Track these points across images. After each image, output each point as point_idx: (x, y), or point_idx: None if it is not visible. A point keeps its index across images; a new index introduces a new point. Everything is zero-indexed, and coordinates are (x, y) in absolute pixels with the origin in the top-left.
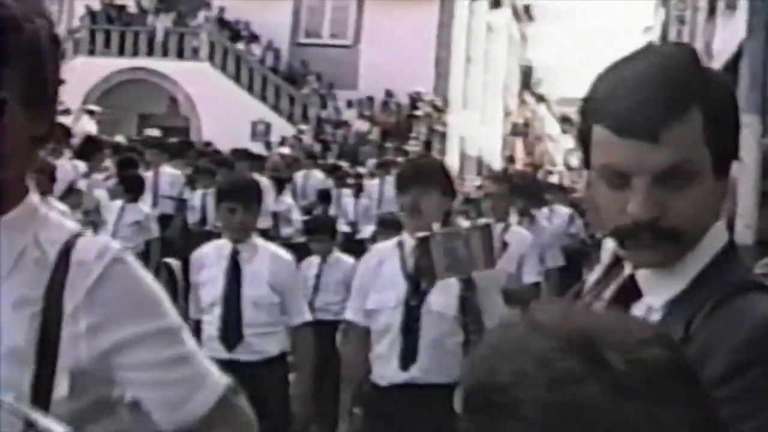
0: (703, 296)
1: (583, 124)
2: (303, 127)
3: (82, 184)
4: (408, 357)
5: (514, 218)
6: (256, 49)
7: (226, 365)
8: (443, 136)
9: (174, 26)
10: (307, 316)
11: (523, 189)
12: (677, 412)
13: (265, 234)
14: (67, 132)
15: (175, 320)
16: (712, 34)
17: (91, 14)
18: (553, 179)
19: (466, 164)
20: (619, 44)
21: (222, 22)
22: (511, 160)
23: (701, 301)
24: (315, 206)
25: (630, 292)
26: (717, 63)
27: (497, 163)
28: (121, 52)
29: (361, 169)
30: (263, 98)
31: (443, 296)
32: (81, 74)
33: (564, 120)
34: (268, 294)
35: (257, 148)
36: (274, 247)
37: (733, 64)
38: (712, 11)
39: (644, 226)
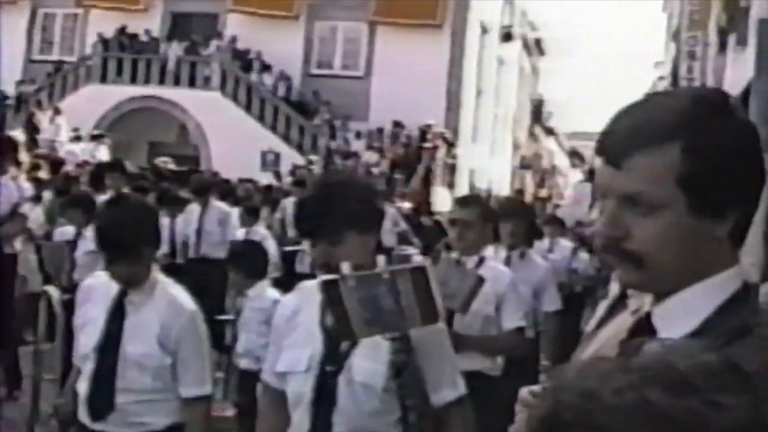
0: (713, 338)
1: None
2: (312, 157)
3: (26, 208)
4: None
5: (491, 250)
6: (268, 79)
7: None
8: (453, 168)
9: (186, 55)
10: (205, 389)
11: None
12: (736, 398)
13: (221, 264)
14: (14, 146)
15: None
16: (723, 69)
17: (104, 42)
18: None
19: None
20: (629, 79)
21: (234, 52)
22: (520, 192)
23: (712, 342)
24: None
25: (645, 330)
26: None
27: (507, 195)
28: (133, 80)
29: None
30: (273, 128)
31: (370, 361)
32: (92, 101)
33: (573, 154)
34: (156, 353)
35: (266, 177)
36: (176, 291)
37: (744, 99)
38: (722, 46)
39: (608, 245)
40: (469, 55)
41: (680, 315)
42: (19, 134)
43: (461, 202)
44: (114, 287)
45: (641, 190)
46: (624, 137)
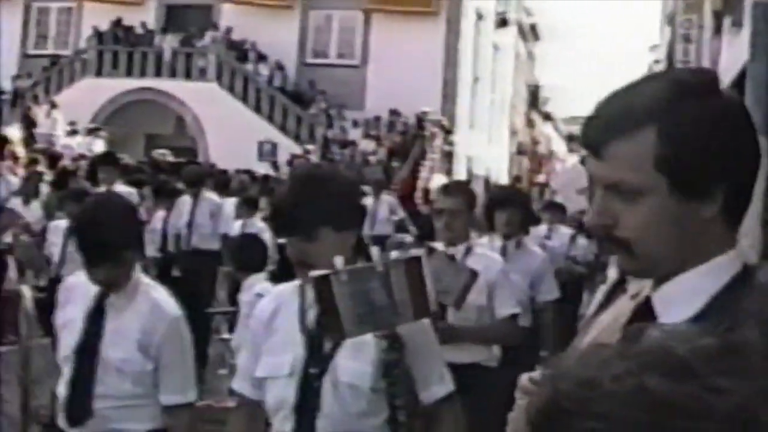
0: (714, 322)
1: None
2: (310, 147)
3: (14, 203)
4: None
5: (486, 240)
6: (264, 69)
7: None
8: (450, 155)
9: (181, 47)
10: (188, 396)
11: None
12: (736, 382)
13: (212, 256)
14: (3, 141)
15: None
16: (718, 52)
17: (99, 35)
18: (560, 198)
19: (474, 183)
20: (625, 63)
21: (229, 43)
22: (517, 179)
23: (713, 326)
24: None
25: (645, 314)
26: (724, 81)
27: (504, 182)
28: (129, 72)
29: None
30: (270, 118)
31: (356, 361)
32: (88, 95)
33: (571, 139)
34: (137, 359)
35: (264, 168)
36: (159, 295)
37: (739, 82)
38: (718, 29)
39: (600, 233)
40: (464, 41)
41: (681, 299)
42: (16, 129)
43: (446, 191)
44: (93, 288)
45: (621, 178)
46: (602, 126)
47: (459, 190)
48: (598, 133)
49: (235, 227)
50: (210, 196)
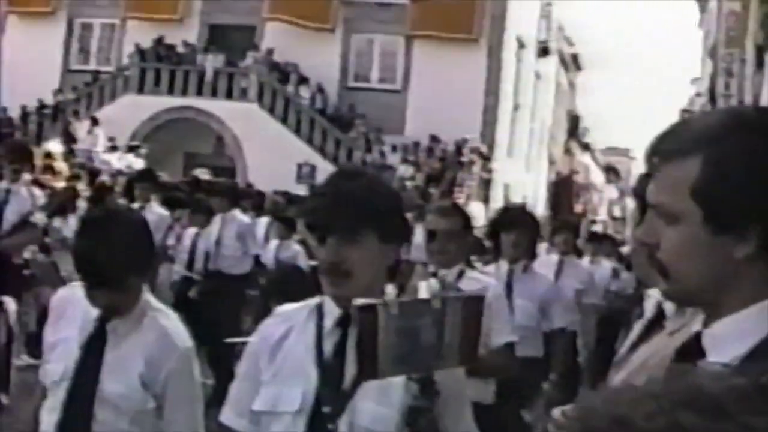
0: (764, 364)
1: None
2: None
3: (38, 217)
4: None
5: (492, 267)
6: (305, 92)
7: None
8: (488, 182)
9: (224, 66)
10: None
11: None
12: None
13: (245, 279)
14: (30, 154)
15: None
16: (761, 86)
17: (141, 52)
18: (597, 228)
19: None
20: (666, 96)
21: (271, 64)
22: (554, 208)
23: (762, 368)
24: None
25: (694, 351)
26: None
27: (541, 211)
28: (171, 90)
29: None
30: (310, 141)
31: (379, 404)
32: (129, 111)
33: (608, 169)
34: (137, 395)
35: (302, 190)
36: (169, 323)
37: None
38: (760, 63)
39: (646, 251)
40: (506, 69)
41: (730, 338)
42: (56, 144)
43: (441, 211)
44: (94, 309)
45: (661, 201)
46: (660, 149)
47: (455, 211)
48: (657, 154)
49: (271, 247)
50: (239, 216)
